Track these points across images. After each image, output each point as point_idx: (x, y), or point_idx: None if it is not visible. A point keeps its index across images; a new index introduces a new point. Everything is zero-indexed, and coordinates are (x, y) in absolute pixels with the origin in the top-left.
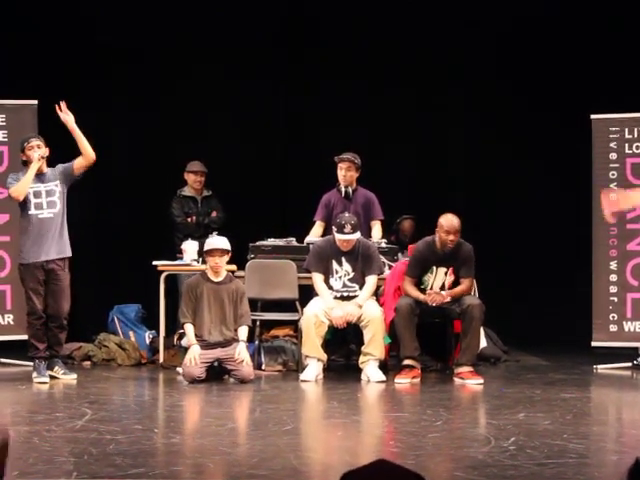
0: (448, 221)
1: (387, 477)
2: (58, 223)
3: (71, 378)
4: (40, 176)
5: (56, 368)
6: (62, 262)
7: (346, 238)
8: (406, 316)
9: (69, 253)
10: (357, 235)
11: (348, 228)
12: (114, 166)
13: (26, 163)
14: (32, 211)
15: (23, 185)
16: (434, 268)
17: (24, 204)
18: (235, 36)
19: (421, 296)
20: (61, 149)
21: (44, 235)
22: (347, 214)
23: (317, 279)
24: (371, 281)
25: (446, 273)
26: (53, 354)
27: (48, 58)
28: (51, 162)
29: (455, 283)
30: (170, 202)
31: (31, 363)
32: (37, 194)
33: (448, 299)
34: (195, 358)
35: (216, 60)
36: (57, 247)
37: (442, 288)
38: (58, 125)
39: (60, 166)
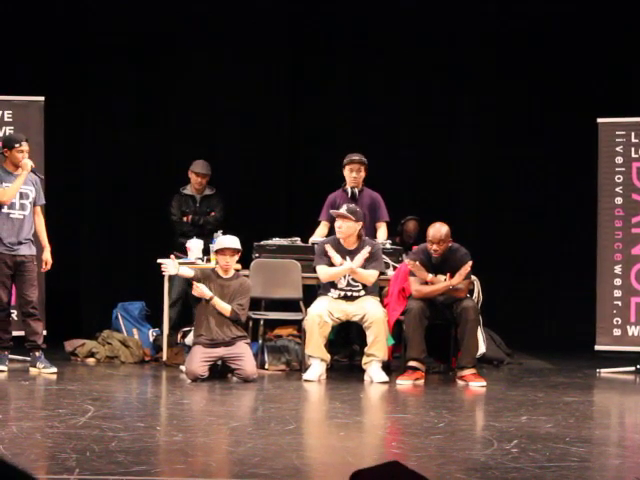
0: (434, 230)
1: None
2: (28, 225)
3: (50, 372)
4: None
5: (37, 364)
6: (31, 256)
7: (340, 212)
8: (417, 318)
9: (35, 252)
10: (352, 217)
11: (344, 208)
12: (119, 163)
13: (4, 160)
14: (4, 209)
15: (12, 191)
16: (431, 276)
17: None
18: (241, 35)
19: (428, 277)
20: (65, 146)
21: (15, 235)
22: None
23: (322, 270)
24: (371, 272)
25: (445, 280)
26: (33, 345)
27: (55, 55)
28: (50, 159)
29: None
30: (171, 200)
31: (29, 358)
32: None
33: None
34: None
35: (221, 59)
36: (27, 248)
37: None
38: (64, 122)
39: (38, 180)
